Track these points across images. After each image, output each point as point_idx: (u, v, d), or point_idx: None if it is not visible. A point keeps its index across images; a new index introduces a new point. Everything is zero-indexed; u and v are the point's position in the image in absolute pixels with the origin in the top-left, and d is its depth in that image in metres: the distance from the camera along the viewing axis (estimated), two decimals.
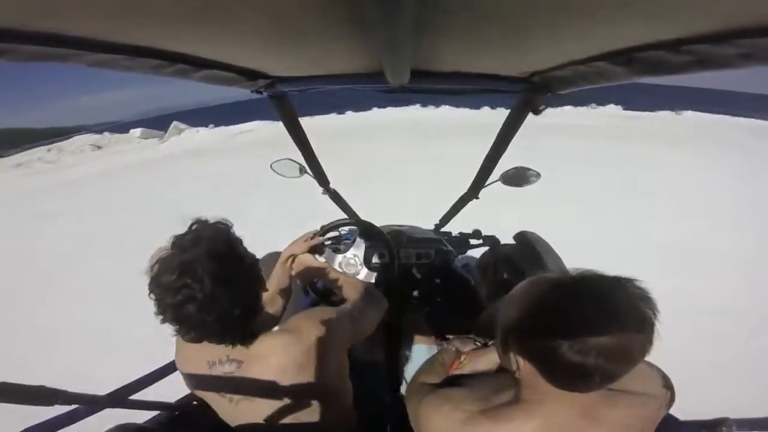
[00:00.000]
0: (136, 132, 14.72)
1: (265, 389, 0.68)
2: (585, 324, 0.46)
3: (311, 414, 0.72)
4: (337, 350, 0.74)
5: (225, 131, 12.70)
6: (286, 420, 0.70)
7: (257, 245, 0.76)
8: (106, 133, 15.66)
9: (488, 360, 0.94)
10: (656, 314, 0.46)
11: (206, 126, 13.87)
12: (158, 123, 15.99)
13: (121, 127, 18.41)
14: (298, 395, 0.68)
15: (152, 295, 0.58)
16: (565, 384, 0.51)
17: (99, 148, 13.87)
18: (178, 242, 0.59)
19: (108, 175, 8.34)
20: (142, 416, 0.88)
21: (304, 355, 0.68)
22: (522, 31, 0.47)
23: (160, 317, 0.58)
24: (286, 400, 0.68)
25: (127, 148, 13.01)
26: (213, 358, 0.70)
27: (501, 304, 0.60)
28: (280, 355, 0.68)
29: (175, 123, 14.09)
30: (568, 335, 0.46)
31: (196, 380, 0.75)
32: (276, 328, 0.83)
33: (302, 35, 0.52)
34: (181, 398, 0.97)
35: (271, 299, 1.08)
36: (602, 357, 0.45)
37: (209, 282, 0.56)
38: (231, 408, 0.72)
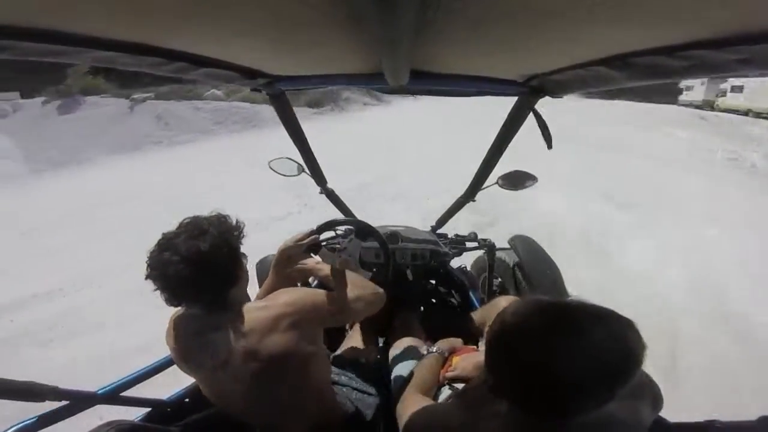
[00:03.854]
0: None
1: (236, 352, 0.72)
2: (562, 353, 0.43)
3: (285, 387, 0.75)
4: (309, 323, 0.78)
5: None
6: (259, 388, 0.73)
7: None
8: None
9: (477, 363, 0.94)
10: (644, 351, 0.43)
11: None
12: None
13: None
14: (267, 361, 0.72)
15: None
16: (539, 413, 0.48)
17: None
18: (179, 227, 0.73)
19: None
20: (133, 413, 0.88)
21: (271, 321, 0.73)
22: (521, 34, 0.47)
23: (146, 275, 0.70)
24: (255, 366, 0.72)
25: None
26: (195, 328, 0.76)
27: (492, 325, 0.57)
28: (248, 319, 0.73)
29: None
30: (545, 362, 0.44)
31: (180, 352, 0.78)
32: None
33: (302, 35, 0.52)
34: (173, 395, 0.97)
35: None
36: (574, 387, 0.43)
37: (175, 249, 0.68)
38: (210, 377, 0.76)
